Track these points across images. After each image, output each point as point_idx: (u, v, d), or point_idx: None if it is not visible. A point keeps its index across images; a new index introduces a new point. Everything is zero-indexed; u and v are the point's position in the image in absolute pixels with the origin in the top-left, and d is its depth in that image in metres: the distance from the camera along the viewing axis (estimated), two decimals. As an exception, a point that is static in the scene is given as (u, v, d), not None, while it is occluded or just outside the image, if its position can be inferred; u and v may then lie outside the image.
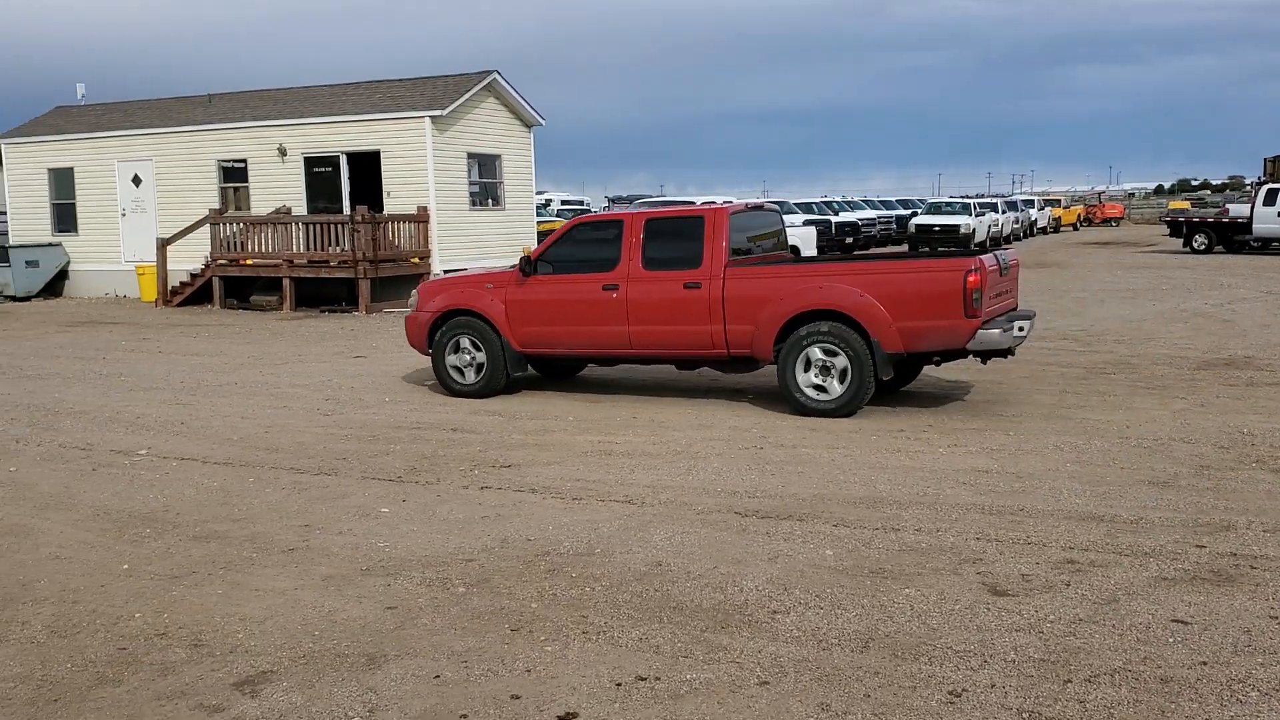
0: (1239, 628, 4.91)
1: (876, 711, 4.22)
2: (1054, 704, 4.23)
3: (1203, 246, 34.82)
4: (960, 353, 9.82)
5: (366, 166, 23.46)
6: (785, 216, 33.87)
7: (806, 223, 31.33)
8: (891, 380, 10.36)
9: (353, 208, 22.06)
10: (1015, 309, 10.72)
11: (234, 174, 24.67)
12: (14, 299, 25.66)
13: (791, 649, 4.83)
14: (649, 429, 9.62)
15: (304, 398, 11.67)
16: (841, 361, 9.73)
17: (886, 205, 51.86)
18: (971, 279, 9.35)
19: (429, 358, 11.78)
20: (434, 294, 11.77)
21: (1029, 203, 55.34)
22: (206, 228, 22.81)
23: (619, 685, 4.52)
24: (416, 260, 22.42)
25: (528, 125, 25.87)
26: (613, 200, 51.56)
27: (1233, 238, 34.30)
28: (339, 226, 21.46)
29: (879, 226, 44.04)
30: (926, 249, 37.18)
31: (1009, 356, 10.36)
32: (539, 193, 35.66)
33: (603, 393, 11.52)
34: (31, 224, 26.88)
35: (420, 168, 22.70)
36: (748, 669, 4.64)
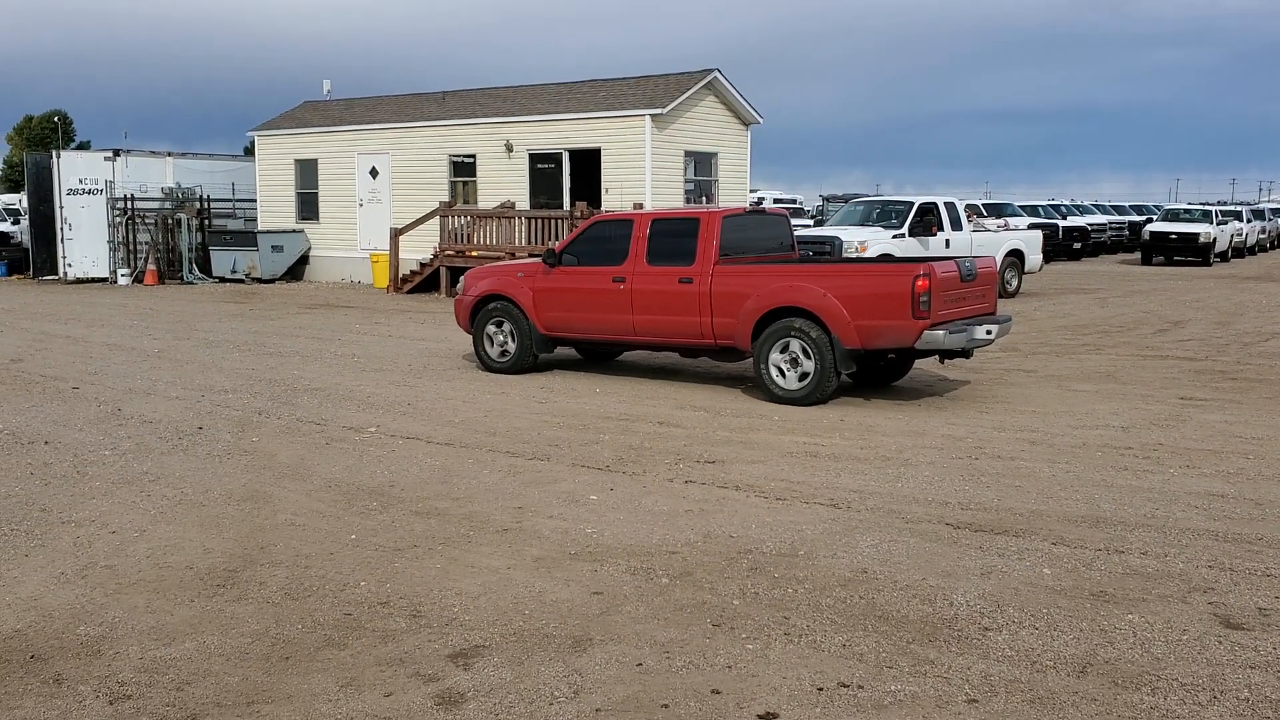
0: None
1: (1092, 740, 4.03)
2: (1293, 751, 3.94)
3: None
4: (914, 351, 10.66)
5: (587, 163, 24.02)
6: (1010, 219, 32.60)
7: (1031, 226, 30.12)
8: (882, 374, 11.76)
9: (572, 203, 22.62)
10: (990, 312, 11.36)
11: (463, 168, 25.72)
12: (260, 281, 27.60)
13: (1003, 668, 4.67)
14: (856, 432, 9.48)
15: (520, 385, 12.07)
16: (806, 355, 10.64)
17: (1119, 210, 49.27)
18: (920, 283, 10.15)
19: (470, 336, 13.14)
20: (477, 280, 13.13)
21: (1277, 212, 51.39)
22: (436, 219, 23.88)
23: (820, 690, 4.48)
24: (631, 255, 22.75)
25: (745, 123, 25.89)
26: (827, 199, 50.94)
27: None
28: (559, 221, 22.06)
29: (1110, 232, 41.91)
30: (1160, 258, 35.11)
31: (967, 358, 11.38)
32: (752, 191, 35.63)
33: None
34: (278, 211, 28.82)
35: (638, 165, 23.07)
36: (956, 685, 4.51)
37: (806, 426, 9.75)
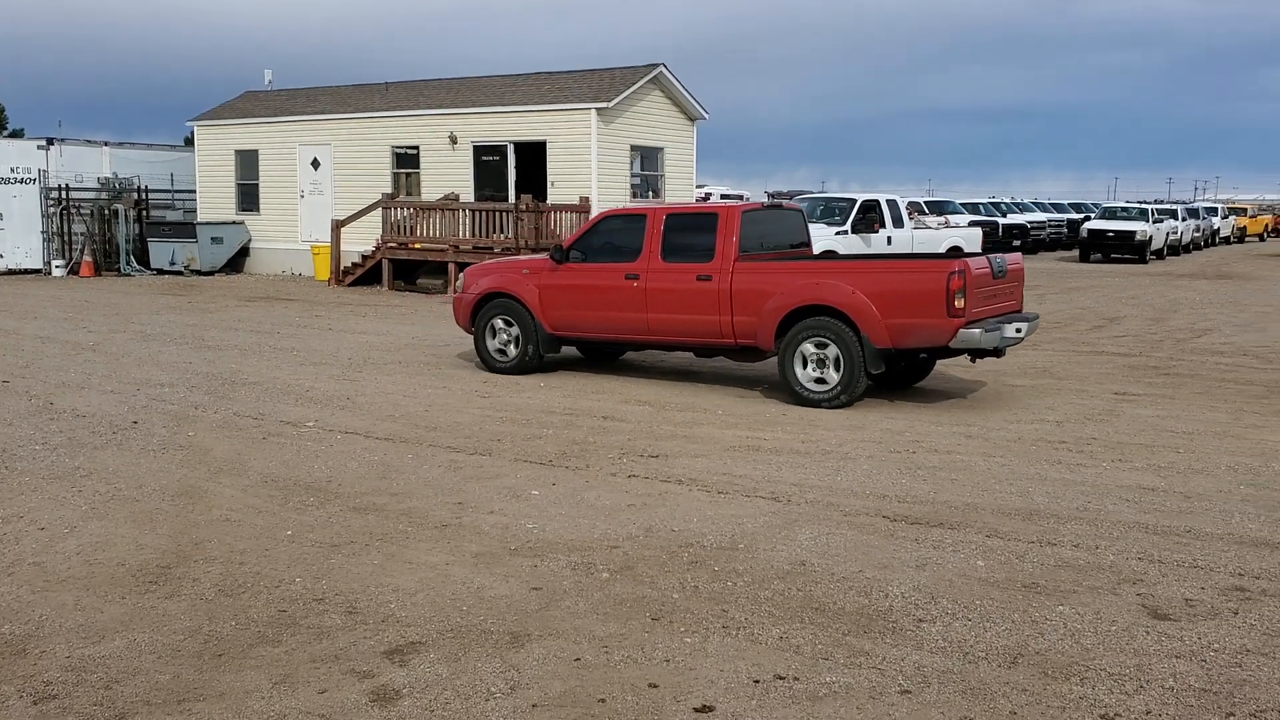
0: None
1: (1022, 730, 4.10)
2: (1215, 737, 4.03)
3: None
4: (946, 350, 10.30)
5: (532, 156, 23.93)
6: (951, 217, 33.08)
7: (972, 223, 30.51)
8: (903, 377, 11.28)
9: (517, 196, 22.53)
10: (1018, 310, 11.04)
11: (406, 160, 25.51)
12: (199, 273, 27.17)
13: (936, 659, 4.73)
14: (798, 426, 9.54)
15: (463, 379, 12.00)
16: (834, 354, 10.28)
17: (1058, 208, 50.05)
18: (954, 280, 9.80)
19: (471, 335, 12.65)
20: (478, 277, 12.61)
21: (1211, 210, 52.55)
22: (378, 211, 23.65)
23: (757, 682, 4.50)
24: (576, 249, 22.73)
25: (691, 118, 25.94)
26: (772, 195, 51.18)
27: None
28: (503, 214, 21.96)
29: (1049, 230, 42.57)
30: (1097, 255, 35.75)
31: (998, 357, 10.86)
32: (699, 186, 35.70)
33: (751, 388, 11.48)
34: (218, 203, 28.39)
35: (584, 158, 23.03)
36: (889, 676, 4.56)
37: (749, 421, 9.80)
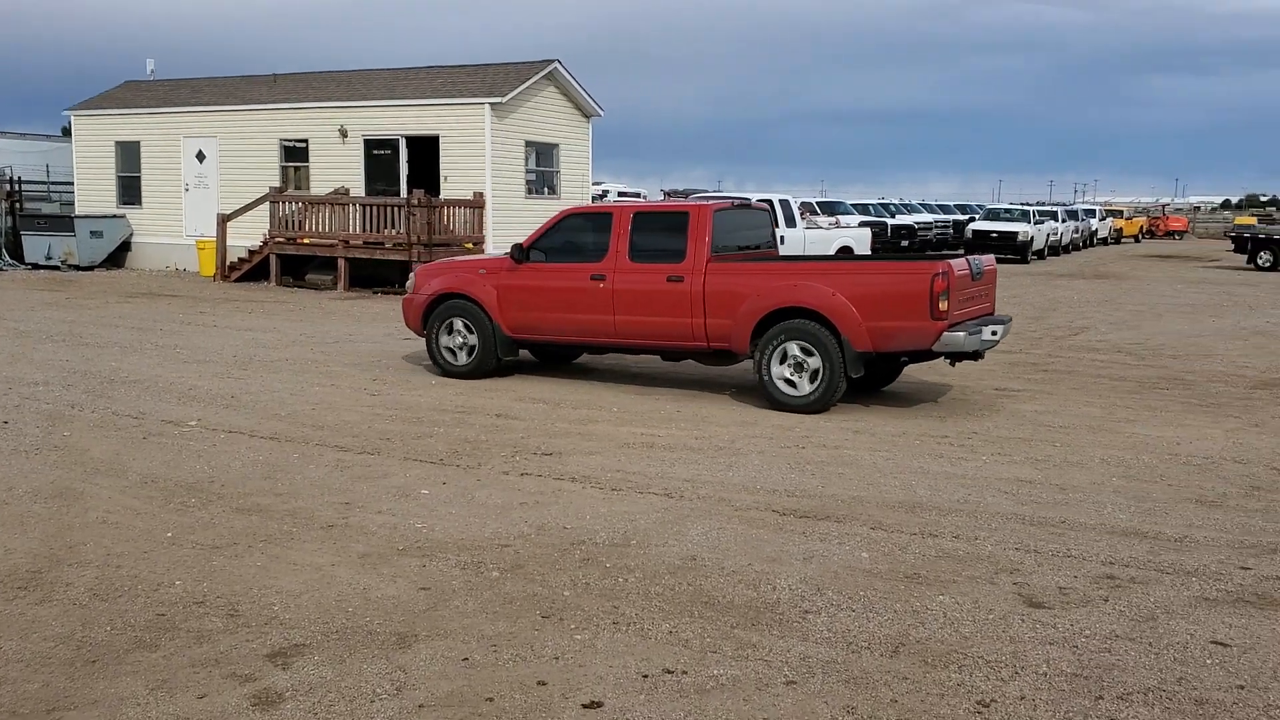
0: (1280, 653, 4.81)
1: (902, 717, 4.19)
2: (1084, 720, 4.18)
3: (1267, 264, 34.09)
4: (928, 354, 10.04)
5: (425, 151, 23.66)
6: (842, 218, 33.66)
7: (862, 224, 31.11)
8: (871, 380, 10.81)
9: (410, 191, 22.24)
10: (991, 313, 10.88)
11: (295, 153, 24.99)
12: (78, 268, 26.20)
13: (821, 650, 4.81)
14: (692, 423, 9.62)
15: (352, 377, 11.81)
16: (814, 359, 9.98)
17: (944, 210, 51.33)
18: (939, 282, 9.57)
19: (423, 338, 12.14)
20: (430, 277, 12.09)
21: (1090, 212, 54.47)
22: (266, 205, 23.13)
23: (645, 677, 4.53)
24: (470, 245, 22.57)
25: (587, 115, 25.93)
26: (669, 194, 51.48)
27: (1301, 256, 33.53)
28: (395, 209, 21.66)
29: (935, 230, 43.61)
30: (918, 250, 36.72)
31: (977, 360, 10.64)
32: (596, 183, 35.70)
33: (649, 385, 11.53)
34: (97, 195, 27.42)
35: (478, 154, 22.86)
36: (775, 668, 4.63)
37: (644, 418, 9.84)
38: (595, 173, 27.70)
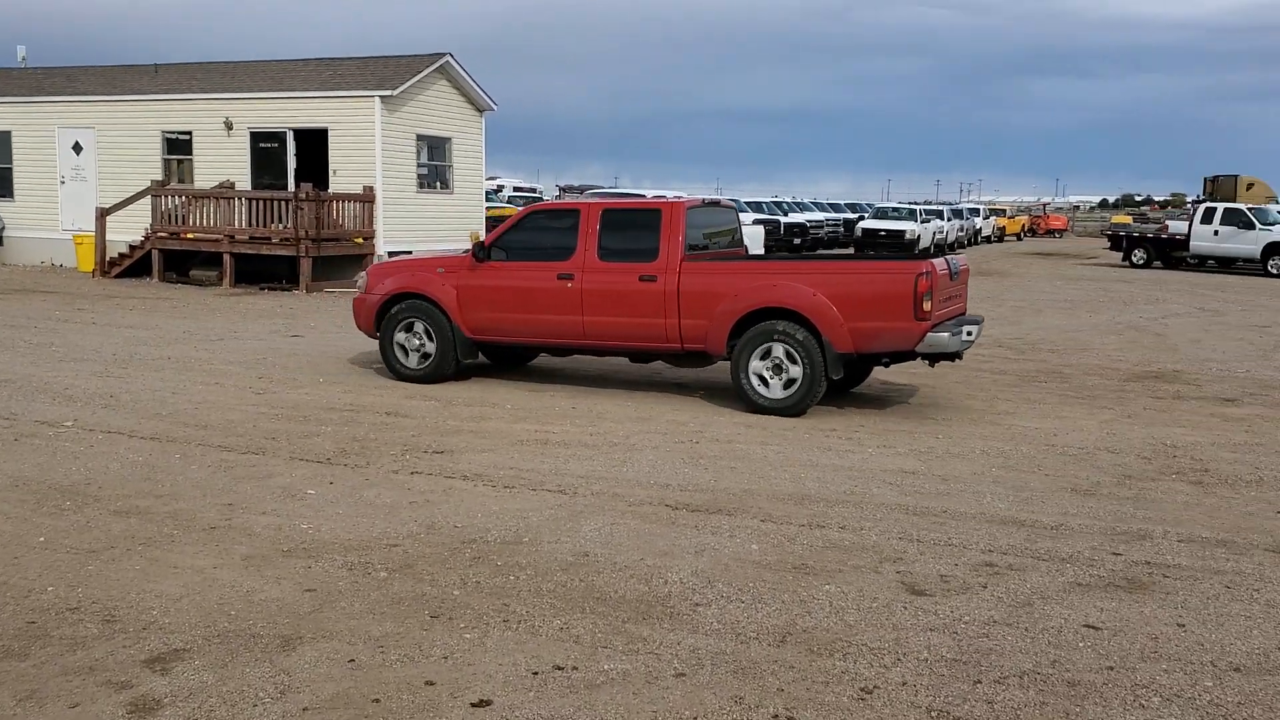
0: (1147, 634, 5.02)
1: (788, 706, 4.26)
2: (962, 703, 4.30)
3: (1141, 261, 35.50)
4: (909, 355, 9.85)
5: (314, 144, 23.20)
6: (734, 214, 33.86)
7: (756, 222, 31.49)
8: (842, 381, 10.43)
9: (298, 185, 21.79)
10: (964, 313, 10.77)
11: (178, 146, 24.28)
12: (-56, 263, 25.05)
13: (710, 641, 4.86)
14: (587, 420, 9.62)
15: (237, 375, 11.52)
16: (793, 360, 9.77)
17: (835, 208, 52.23)
18: (922, 282, 9.41)
19: (376, 340, 11.61)
20: (384, 276, 11.57)
21: (974, 211, 56.05)
22: (148, 199, 22.42)
23: (535, 674, 4.52)
24: (360, 240, 22.23)
25: (480, 110, 25.73)
26: (564, 189, 51.44)
27: (1171, 254, 35.01)
28: (282, 203, 21.21)
29: (827, 229, 44.37)
30: (872, 252, 37.50)
31: (956, 361, 10.45)
32: (491, 178, 35.47)
33: (543, 382, 11.50)
34: (-35, 187, 26.25)
35: (368, 147, 22.50)
36: (665, 660, 4.66)
37: (537, 415, 9.80)
38: (490, 167, 27.54)
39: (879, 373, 12.32)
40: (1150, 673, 4.61)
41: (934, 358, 10.01)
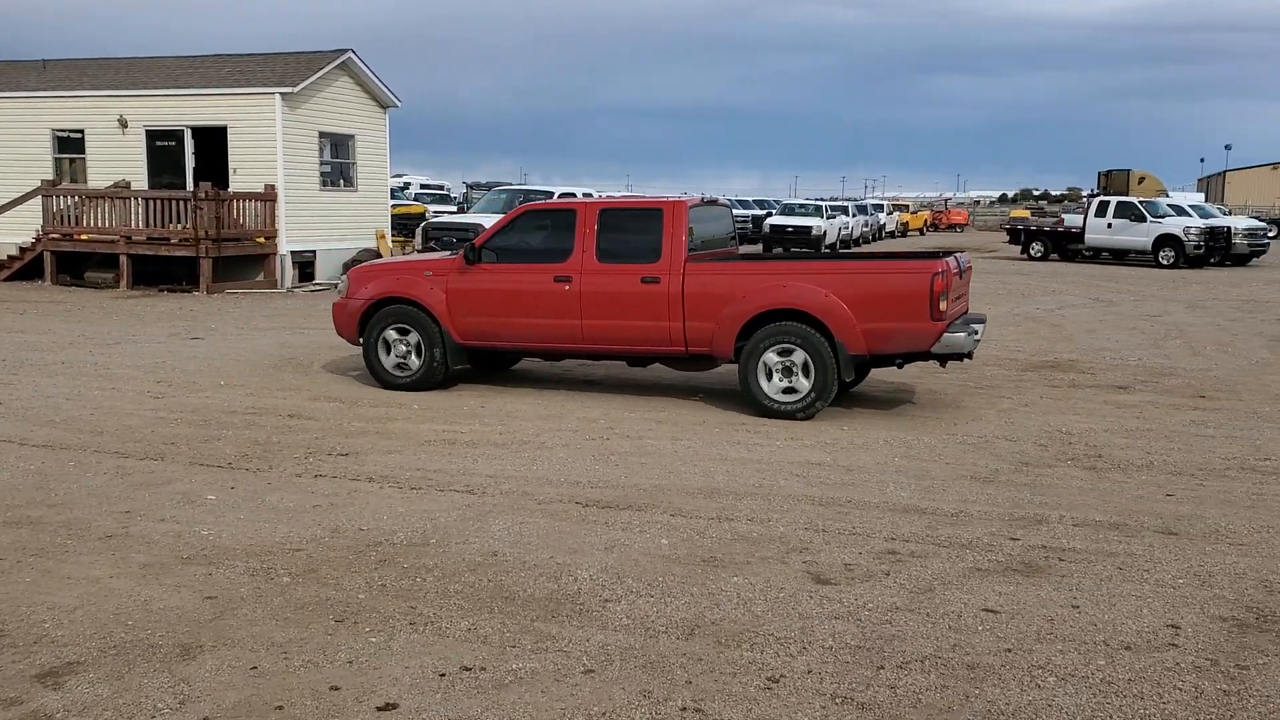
0: (1043, 616, 5.16)
1: (696, 698, 4.30)
2: (866, 689, 4.38)
3: (1039, 254, 36.49)
4: (923, 356, 9.67)
5: (213, 142, 22.65)
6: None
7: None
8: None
9: (197, 184, 21.26)
10: (967, 311, 10.66)
11: (69, 144, 23.51)
12: None
13: (619, 637, 4.87)
14: (496, 418, 9.56)
15: (134, 380, 11.21)
16: (804, 362, 9.53)
17: (744, 205, 52.68)
18: (938, 281, 9.25)
19: (359, 347, 11.17)
20: (367, 280, 11.08)
21: (879, 207, 57.04)
22: (38, 200, 21.68)
23: (443, 676, 4.48)
24: (262, 240, 21.80)
25: (384, 106, 25.39)
26: (471, 186, 51.05)
27: (1067, 246, 36.02)
28: (181, 203, 20.70)
29: (736, 225, 44.68)
30: (781, 250, 37.96)
31: (967, 360, 10.19)
32: (397, 175, 35.05)
33: (451, 381, 11.38)
34: None
35: (269, 145, 22.05)
36: (574, 657, 4.66)
37: (445, 414, 9.71)
38: (397, 165, 27.22)
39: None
40: (1046, 653, 4.75)
41: (948, 358, 9.78)
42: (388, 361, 10.88)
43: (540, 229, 10.80)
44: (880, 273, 9.90)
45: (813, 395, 9.54)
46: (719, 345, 9.93)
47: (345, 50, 23.70)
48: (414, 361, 10.80)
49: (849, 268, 10.21)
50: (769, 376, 9.68)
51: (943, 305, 9.27)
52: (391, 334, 10.81)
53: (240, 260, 21.76)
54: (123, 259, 21.17)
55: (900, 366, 10.21)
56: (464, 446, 8.50)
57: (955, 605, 5.28)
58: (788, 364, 9.61)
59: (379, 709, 4.19)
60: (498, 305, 10.52)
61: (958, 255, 10.15)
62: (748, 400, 9.83)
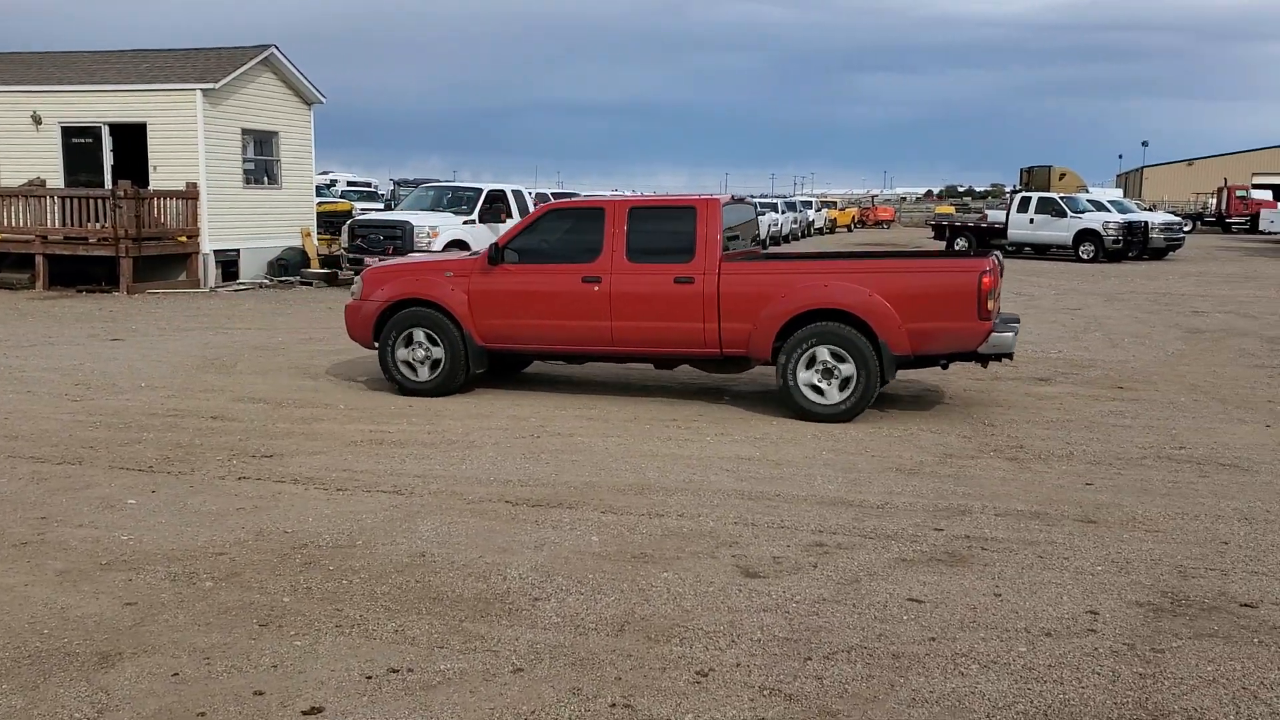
0: (966, 605, 5.25)
1: (626, 694, 4.30)
2: (794, 681, 4.42)
3: (963, 249, 37.10)
4: (969, 356, 9.51)
5: (133, 139, 22.14)
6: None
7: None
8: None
9: (115, 182, 20.78)
10: (999, 310, 10.33)
11: (-20, 141, 22.81)
12: None
13: (549, 635, 4.86)
14: (424, 418, 9.48)
15: (51, 382, 10.93)
16: (846, 364, 9.29)
17: (674, 200, 52.78)
18: (986, 280, 9.07)
19: (374, 351, 10.77)
20: (382, 281, 10.69)
21: (808, 204, 57.58)
22: (-53, 198, 21.02)
23: (369, 678, 4.43)
24: (184, 239, 21.38)
25: (308, 102, 25.03)
26: (399, 183, 50.50)
27: (990, 241, 36.65)
28: (99, 201, 20.22)
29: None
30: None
31: (1009, 361, 10.08)
32: (324, 173, 34.56)
33: (379, 380, 11.25)
34: None
35: (190, 142, 21.61)
36: (503, 657, 4.64)
37: (372, 415, 9.61)
38: (323, 162, 26.90)
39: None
40: (969, 641, 4.83)
41: (993, 358, 9.62)
42: (405, 365, 10.52)
43: (566, 228, 10.56)
44: (925, 271, 9.73)
45: (855, 397, 9.30)
46: (756, 347, 9.69)
47: (268, 46, 23.32)
48: (435, 365, 10.45)
49: (892, 266, 10.04)
50: (810, 380, 9.42)
51: (990, 304, 9.14)
52: (410, 338, 10.46)
53: (162, 260, 21.32)
54: (39, 259, 20.63)
55: (945, 367, 10.04)
56: (391, 446, 8.42)
57: (881, 596, 5.35)
58: (829, 365, 9.35)
59: (304, 713, 4.14)
60: (523, 307, 10.20)
61: (996, 255, 9.91)
62: (784, 403, 9.58)
